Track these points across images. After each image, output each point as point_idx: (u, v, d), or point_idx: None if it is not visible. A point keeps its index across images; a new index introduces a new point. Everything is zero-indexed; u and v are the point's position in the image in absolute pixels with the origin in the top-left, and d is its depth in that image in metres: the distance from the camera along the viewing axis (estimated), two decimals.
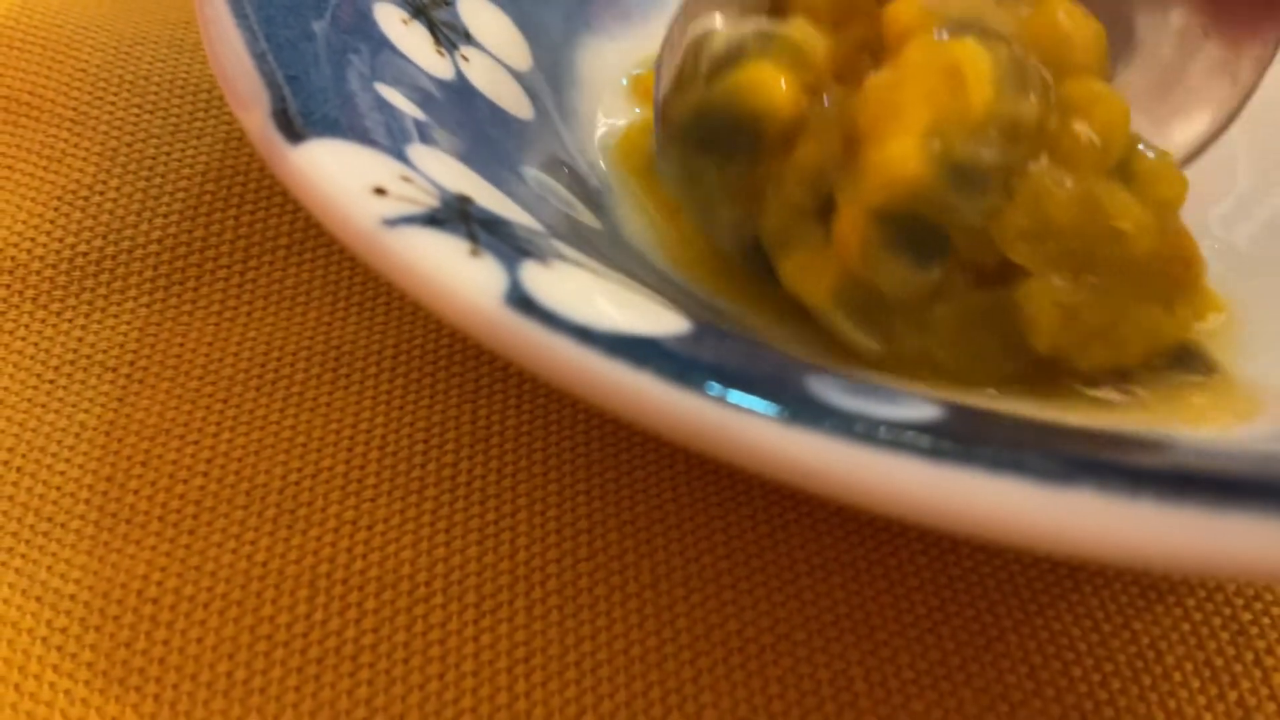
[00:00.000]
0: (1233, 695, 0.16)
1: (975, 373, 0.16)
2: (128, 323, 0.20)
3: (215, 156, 0.22)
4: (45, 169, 0.21)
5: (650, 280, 0.17)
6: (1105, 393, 0.16)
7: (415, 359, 0.20)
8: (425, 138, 0.16)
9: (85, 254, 0.20)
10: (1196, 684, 0.16)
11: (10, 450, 0.18)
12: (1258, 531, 0.11)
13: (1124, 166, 0.17)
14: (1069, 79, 0.17)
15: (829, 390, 0.13)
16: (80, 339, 0.19)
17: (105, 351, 0.19)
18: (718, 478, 0.18)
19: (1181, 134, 0.20)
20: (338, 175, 0.14)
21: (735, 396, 0.12)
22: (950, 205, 0.16)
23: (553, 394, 0.19)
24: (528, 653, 0.16)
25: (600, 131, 0.21)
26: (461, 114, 0.18)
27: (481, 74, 0.19)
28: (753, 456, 0.12)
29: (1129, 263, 0.16)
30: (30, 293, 0.20)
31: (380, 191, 0.14)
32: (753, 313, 0.18)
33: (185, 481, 0.18)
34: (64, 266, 0.20)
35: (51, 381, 0.19)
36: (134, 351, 0.19)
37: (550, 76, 0.21)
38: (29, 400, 0.19)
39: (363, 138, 0.15)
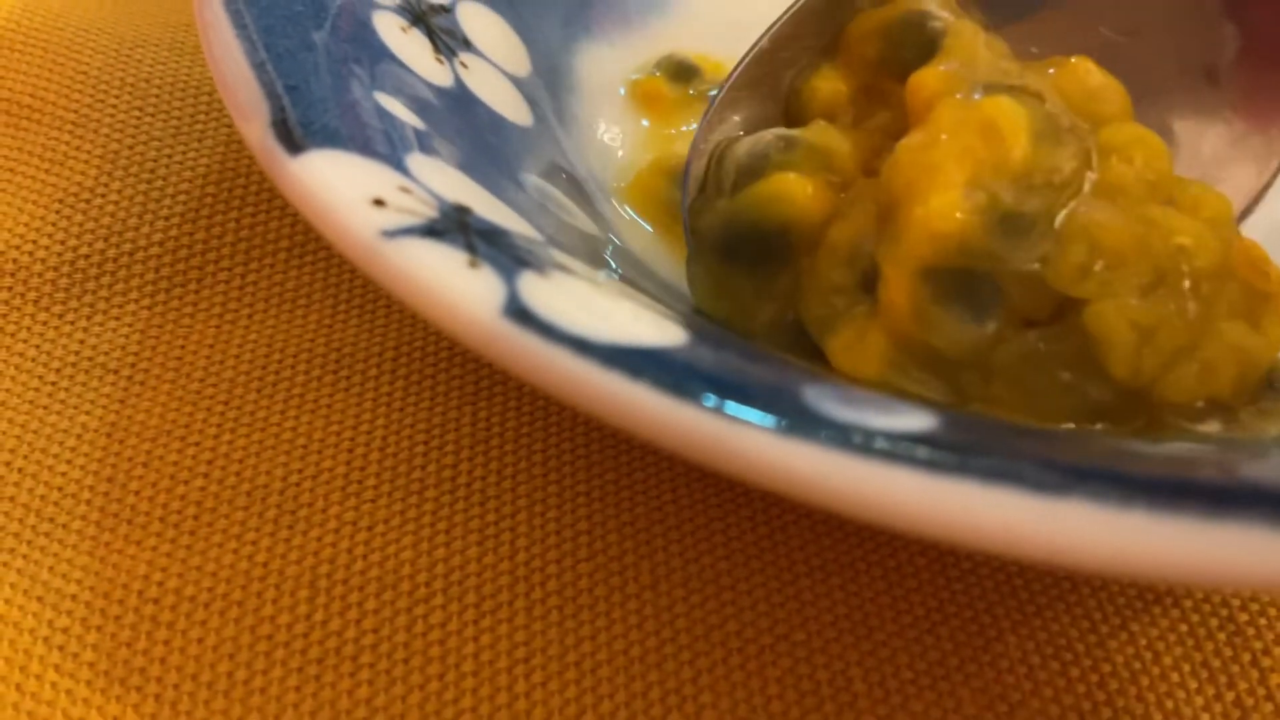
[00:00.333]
0: (1230, 696, 0.16)
1: (1052, 411, 0.15)
2: (129, 325, 0.20)
3: (216, 159, 0.22)
4: (47, 172, 0.21)
5: (648, 287, 0.17)
6: (1209, 426, 0.16)
7: (416, 361, 0.20)
8: (425, 147, 0.16)
9: (87, 256, 0.21)
10: (1194, 685, 0.16)
11: (12, 451, 0.18)
12: (1252, 541, 0.11)
13: (1168, 200, 0.16)
14: (1103, 128, 0.16)
15: (825, 401, 0.13)
16: (82, 341, 0.20)
17: (107, 353, 0.19)
18: (717, 480, 0.18)
19: None
20: (337, 186, 0.14)
21: (731, 408, 0.12)
22: (998, 253, 0.15)
23: (552, 397, 0.19)
24: (528, 653, 0.16)
25: (609, 179, 0.21)
26: (461, 121, 0.18)
27: (481, 81, 0.19)
28: (749, 468, 0.12)
29: (1199, 277, 0.15)
30: (32, 295, 0.20)
31: (379, 203, 0.14)
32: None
33: (186, 482, 0.18)
34: (65, 269, 0.20)
35: (53, 383, 0.19)
36: (135, 353, 0.19)
37: (549, 82, 0.21)
38: (31, 402, 0.19)
39: (362, 148, 0.15)
